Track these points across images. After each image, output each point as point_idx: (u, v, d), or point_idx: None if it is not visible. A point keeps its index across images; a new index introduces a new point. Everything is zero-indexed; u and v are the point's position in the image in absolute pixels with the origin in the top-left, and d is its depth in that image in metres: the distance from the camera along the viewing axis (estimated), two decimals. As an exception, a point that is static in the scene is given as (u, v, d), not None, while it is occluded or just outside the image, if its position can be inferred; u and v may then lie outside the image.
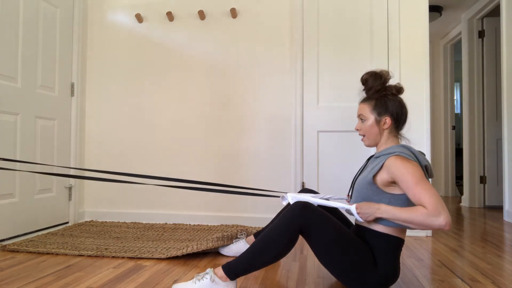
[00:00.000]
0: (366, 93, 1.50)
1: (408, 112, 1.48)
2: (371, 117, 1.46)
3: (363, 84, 1.51)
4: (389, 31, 2.67)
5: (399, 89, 1.46)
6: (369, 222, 1.38)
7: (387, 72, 1.47)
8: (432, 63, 5.01)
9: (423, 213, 1.23)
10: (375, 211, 1.32)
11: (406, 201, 1.36)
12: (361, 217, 1.35)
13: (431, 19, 4.20)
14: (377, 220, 1.37)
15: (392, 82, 1.55)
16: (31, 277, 1.65)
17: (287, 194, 1.48)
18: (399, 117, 1.45)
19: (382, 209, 1.30)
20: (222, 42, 2.93)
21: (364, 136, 1.50)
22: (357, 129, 1.51)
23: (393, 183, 1.35)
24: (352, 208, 1.36)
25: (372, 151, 2.65)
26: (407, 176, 1.29)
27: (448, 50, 4.96)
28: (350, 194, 1.55)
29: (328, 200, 1.49)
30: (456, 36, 4.62)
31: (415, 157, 1.37)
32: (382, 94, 1.45)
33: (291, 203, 1.43)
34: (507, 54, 3.25)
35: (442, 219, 1.21)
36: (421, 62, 2.62)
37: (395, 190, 1.37)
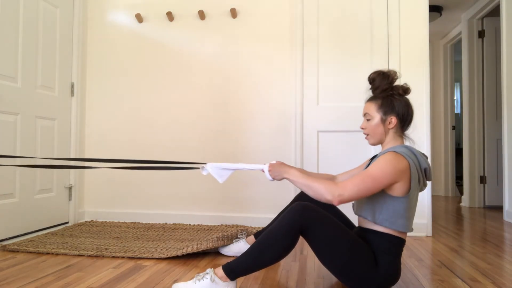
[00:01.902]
0: (373, 92, 1.49)
1: (414, 113, 1.48)
2: (376, 116, 1.46)
3: (370, 83, 1.50)
4: (389, 31, 2.66)
5: (406, 90, 1.46)
6: (278, 180, 1.45)
7: (395, 72, 1.47)
8: (432, 63, 5.01)
9: (329, 185, 1.29)
10: (284, 173, 1.41)
11: (406, 204, 1.36)
12: (270, 175, 1.44)
13: (431, 19, 4.20)
14: (377, 220, 1.37)
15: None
16: (31, 277, 1.65)
17: (207, 164, 1.56)
18: (405, 117, 1.45)
19: (291, 172, 1.39)
20: (222, 42, 2.93)
21: (368, 135, 1.50)
22: (362, 128, 1.51)
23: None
24: (265, 167, 1.46)
25: (374, 150, 2.65)
26: (374, 167, 1.32)
27: (448, 50, 4.96)
28: None
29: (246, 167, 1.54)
30: (456, 36, 4.62)
31: (416, 158, 1.37)
32: (388, 94, 1.45)
33: (211, 173, 1.53)
34: (507, 54, 3.25)
35: (337, 195, 1.27)
36: (421, 62, 2.62)
37: (394, 192, 1.34)
